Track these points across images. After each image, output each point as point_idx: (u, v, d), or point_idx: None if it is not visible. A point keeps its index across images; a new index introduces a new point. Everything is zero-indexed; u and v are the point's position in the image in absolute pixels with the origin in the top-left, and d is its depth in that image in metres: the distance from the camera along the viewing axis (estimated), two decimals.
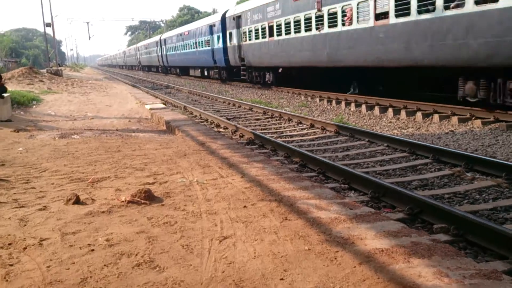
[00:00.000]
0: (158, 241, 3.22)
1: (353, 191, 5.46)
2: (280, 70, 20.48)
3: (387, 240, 2.78)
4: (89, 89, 23.84)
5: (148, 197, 4.13)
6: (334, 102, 14.88)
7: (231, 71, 27.75)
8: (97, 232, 3.45)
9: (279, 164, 5.73)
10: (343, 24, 14.41)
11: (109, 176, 5.19)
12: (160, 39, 47.66)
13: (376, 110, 12.35)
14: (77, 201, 4.12)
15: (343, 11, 14.40)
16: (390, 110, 11.85)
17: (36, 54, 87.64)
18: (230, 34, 25.33)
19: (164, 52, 45.55)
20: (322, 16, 15.43)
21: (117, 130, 9.73)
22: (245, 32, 22.94)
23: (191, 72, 37.56)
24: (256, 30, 21.57)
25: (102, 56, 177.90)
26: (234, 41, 24.69)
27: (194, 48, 33.77)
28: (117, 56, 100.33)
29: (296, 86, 19.58)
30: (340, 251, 2.75)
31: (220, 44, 27.12)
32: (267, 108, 13.70)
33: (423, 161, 6.68)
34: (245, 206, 3.91)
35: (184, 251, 3.02)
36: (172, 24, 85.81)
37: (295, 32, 17.68)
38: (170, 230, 3.43)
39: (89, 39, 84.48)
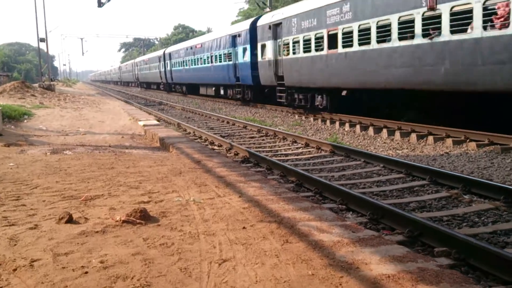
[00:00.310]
0: (154, 264, 3.10)
1: (351, 212, 5.39)
2: (344, 92, 15.29)
3: (392, 265, 2.70)
4: (81, 104, 23.70)
5: (143, 217, 4.01)
6: (328, 121, 14.90)
7: (261, 91, 22.47)
8: (90, 253, 3.33)
9: (276, 183, 5.66)
10: (487, 27, 9.39)
11: (102, 194, 5.07)
12: (164, 54, 42.92)
13: (371, 130, 12.37)
14: (70, 220, 3.99)
15: (487, 8, 9.42)
16: (385, 131, 11.87)
17: (28, 69, 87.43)
18: (263, 46, 20.52)
19: (168, 68, 41.15)
20: (437, 17, 10.52)
21: (110, 146, 9.61)
22: (287, 44, 18.00)
23: (202, 90, 32.26)
24: (307, 40, 16.44)
25: (95, 71, 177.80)
26: (269, 55, 19.84)
27: (208, 63, 28.98)
28: (112, 71, 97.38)
29: (369, 115, 14.05)
30: (345, 277, 2.66)
31: (247, 58, 22.38)
32: (261, 126, 13.67)
33: (420, 182, 6.65)
34: (244, 228, 3.81)
35: (182, 275, 2.91)
36: (166, 42, 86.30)
37: (379, 42, 12.61)
38: (167, 252, 3.31)
39: (83, 54, 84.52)
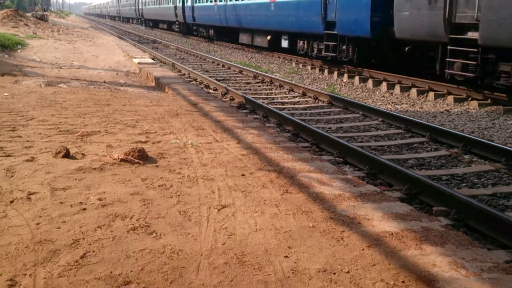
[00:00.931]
0: (153, 205, 3.06)
1: (348, 166, 5.36)
2: None
3: (395, 223, 2.69)
4: (75, 37, 22.99)
5: (141, 157, 3.94)
6: (326, 71, 14.64)
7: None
8: (88, 190, 3.28)
9: (275, 132, 5.59)
10: None
11: (99, 131, 4.97)
12: None
13: (370, 83, 12.19)
14: (67, 155, 3.91)
15: None
16: (384, 84, 11.69)
17: None
18: None
19: (189, 3, 29.55)
20: None
21: (104, 82, 9.39)
22: None
23: (245, 38, 21.98)
24: None
25: (88, 4, 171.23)
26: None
27: None
28: (109, 4, 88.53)
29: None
30: (346, 231, 2.64)
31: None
32: (257, 72, 13.42)
33: (419, 139, 6.60)
34: (243, 175, 3.77)
35: (181, 218, 2.88)
36: None
37: None
38: (166, 194, 3.27)
39: None
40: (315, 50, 15.16)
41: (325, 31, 13.92)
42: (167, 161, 4.06)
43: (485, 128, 7.55)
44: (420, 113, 8.85)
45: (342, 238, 2.57)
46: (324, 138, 6.09)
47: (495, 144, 5.91)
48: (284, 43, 17.94)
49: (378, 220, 2.75)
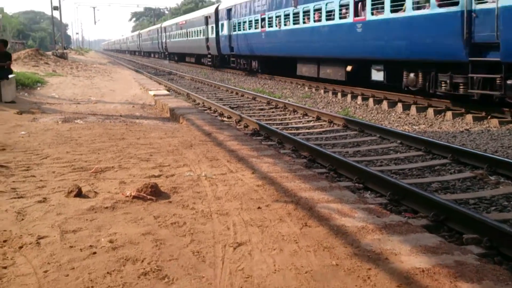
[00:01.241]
0: (166, 245, 2.92)
1: (369, 192, 5.15)
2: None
3: (425, 258, 2.49)
4: (93, 73, 23.49)
5: (154, 193, 3.83)
6: (339, 94, 14.51)
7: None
8: (99, 231, 3.16)
9: (290, 159, 5.44)
10: None
11: (113, 166, 4.89)
12: (217, 11, 27.83)
13: (384, 104, 12.01)
14: (79, 194, 3.83)
15: None
16: (400, 105, 11.50)
17: (42, 37, 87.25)
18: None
19: (225, 32, 26.02)
20: None
21: (121, 116, 9.43)
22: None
23: (302, 68, 18.14)
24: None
25: (107, 40, 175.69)
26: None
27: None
28: (129, 39, 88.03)
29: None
30: (373, 269, 2.45)
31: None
32: (270, 98, 13.37)
33: (441, 161, 6.35)
34: (259, 208, 3.61)
35: (195, 259, 2.73)
36: (176, 12, 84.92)
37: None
38: (179, 232, 3.13)
39: (95, 23, 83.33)
40: (444, 85, 10.50)
41: (470, 58, 9.41)
42: (181, 195, 3.93)
43: (509, 147, 7.26)
44: (439, 134, 8.60)
45: (369, 277, 2.37)
46: (342, 163, 5.90)
47: None
48: (377, 75, 13.12)
49: (407, 255, 2.55)
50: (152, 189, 3.82)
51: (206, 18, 30.37)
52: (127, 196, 3.79)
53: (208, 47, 30.28)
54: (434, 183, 5.42)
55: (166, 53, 47.27)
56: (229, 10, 25.79)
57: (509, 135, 8.00)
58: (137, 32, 76.12)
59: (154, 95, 12.87)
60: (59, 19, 42.97)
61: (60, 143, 6.13)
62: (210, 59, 31.24)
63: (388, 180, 5.00)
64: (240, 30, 24.01)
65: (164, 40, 45.81)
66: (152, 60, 51.56)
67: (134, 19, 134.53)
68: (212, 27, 28.91)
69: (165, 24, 47.20)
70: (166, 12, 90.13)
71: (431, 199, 4.28)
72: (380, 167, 6.21)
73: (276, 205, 3.68)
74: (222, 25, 27.08)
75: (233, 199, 3.87)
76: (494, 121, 8.94)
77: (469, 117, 9.51)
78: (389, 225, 3.05)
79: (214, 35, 28.55)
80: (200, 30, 31.70)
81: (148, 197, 3.76)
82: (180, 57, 42.47)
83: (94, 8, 72.75)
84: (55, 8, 36.03)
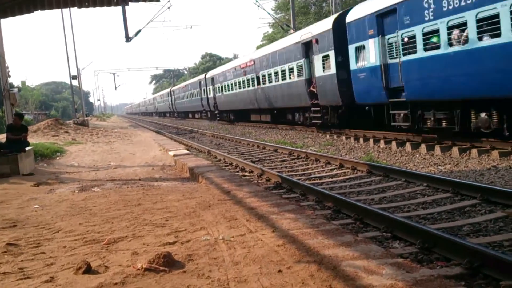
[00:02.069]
0: None
1: (398, 241, 4.84)
2: None
3: None
4: (113, 137, 23.95)
5: (167, 263, 3.63)
6: (361, 139, 14.30)
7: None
8: None
9: (312, 213, 5.19)
10: None
11: (126, 236, 4.74)
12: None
13: (408, 146, 11.72)
14: (88, 270, 3.65)
15: None
16: (423, 146, 11.21)
17: (65, 106, 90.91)
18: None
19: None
20: None
21: (139, 179, 9.40)
22: None
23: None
24: None
25: (129, 104, 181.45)
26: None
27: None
28: (147, 102, 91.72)
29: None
30: None
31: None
32: (292, 148, 13.25)
33: (471, 202, 6.03)
34: (279, 271, 3.36)
35: None
36: (194, 71, 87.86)
37: None
38: None
39: (115, 89, 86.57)
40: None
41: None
42: (196, 263, 3.72)
43: None
44: (466, 173, 8.25)
45: None
46: (367, 212, 5.65)
47: None
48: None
49: None
50: (164, 259, 3.62)
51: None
52: (138, 269, 3.60)
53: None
54: (465, 226, 5.11)
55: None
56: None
57: None
58: (152, 97, 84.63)
59: (174, 155, 12.90)
60: (78, 87, 44.78)
61: (73, 214, 6.04)
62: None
63: (417, 227, 4.73)
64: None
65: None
66: (168, 119, 55.13)
67: (154, 81, 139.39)
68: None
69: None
70: (185, 72, 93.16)
71: (463, 245, 4.00)
72: (407, 213, 5.92)
73: (298, 266, 3.42)
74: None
75: (252, 263, 3.63)
76: None
77: (495, 153, 9.14)
78: (420, 281, 2.77)
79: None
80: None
81: (161, 268, 3.56)
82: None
83: (114, 74, 75.80)
84: (73, 77, 37.54)
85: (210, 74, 36.77)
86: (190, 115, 50.18)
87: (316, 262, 3.43)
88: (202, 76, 39.89)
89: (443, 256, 4.20)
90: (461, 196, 6.36)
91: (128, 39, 25.59)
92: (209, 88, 36.11)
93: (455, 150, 10.10)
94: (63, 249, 4.39)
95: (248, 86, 26.13)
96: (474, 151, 9.61)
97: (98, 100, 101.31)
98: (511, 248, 4.30)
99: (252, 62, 24.99)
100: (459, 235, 4.80)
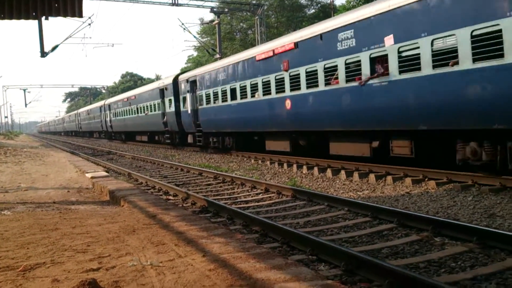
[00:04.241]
0: None
1: (323, 264, 5.01)
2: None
3: None
4: (23, 157, 22.27)
5: None
6: (285, 164, 14.68)
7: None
8: None
9: (242, 237, 5.20)
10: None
11: (44, 262, 4.40)
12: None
13: (329, 172, 12.24)
14: None
15: None
16: (343, 172, 11.77)
17: None
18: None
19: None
20: None
21: (54, 202, 8.80)
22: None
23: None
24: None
25: (40, 123, 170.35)
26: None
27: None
28: (65, 120, 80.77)
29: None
30: None
31: (172, 108, 26.89)
32: (217, 172, 13.24)
33: (388, 226, 6.43)
34: None
35: None
36: (113, 90, 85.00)
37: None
38: None
39: (26, 106, 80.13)
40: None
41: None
42: None
43: (448, 207, 7.51)
44: (382, 198, 8.78)
45: None
46: (293, 236, 5.79)
47: (463, 224, 5.85)
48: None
49: None
50: (90, 286, 3.42)
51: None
52: None
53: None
54: (384, 249, 5.44)
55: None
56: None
57: (447, 196, 8.30)
58: (61, 117, 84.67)
59: (92, 177, 12.28)
60: None
61: None
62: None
63: (340, 250, 4.93)
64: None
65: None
66: (86, 140, 54.46)
67: (69, 99, 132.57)
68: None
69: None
70: (103, 91, 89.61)
71: (383, 266, 4.25)
72: (331, 236, 6.17)
73: None
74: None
75: None
76: (432, 183, 9.28)
77: (408, 180, 9.84)
78: None
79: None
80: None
81: None
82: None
83: (24, 90, 70.83)
84: None
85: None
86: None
87: (249, 286, 3.44)
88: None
89: (366, 278, 4.41)
90: (379, 220, 6.74)
91: (43, 54, 24.21)
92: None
93: (372, 176, 10.72)
94: None
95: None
96: (389, 178, 10.27)
97: (6, 117, 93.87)
98: (426, 270, 4.63)
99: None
100: (379, 258, 5.07)
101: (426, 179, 9.67)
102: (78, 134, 67.61)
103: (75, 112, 67.93)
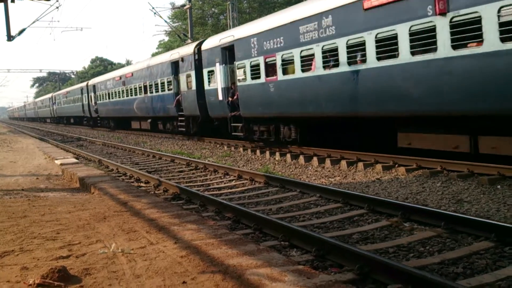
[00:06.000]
0: None
1: (295, 249, 5.08)
2: None
3: None
4: None
5: (62, 278, 3.38)
6: (258, 151, 14.71)
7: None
8: None
9: (215, 224, 5.23)
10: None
11: (13, 250, 4.31)
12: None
13: (301, 159, 12.33)
14: None
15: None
16: (315, 159, 11.88)
17: None
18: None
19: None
20: None
21: (23, 190, 8.60)
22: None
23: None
24: None
25: (7, 108, 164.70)
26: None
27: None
28: (26, 107, 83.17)
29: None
30: None
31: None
32: (190, 159, 13.17)
33: (359, 211, 6.55)
34: (184, 282, 3.33)
35: None
36: (83, 76, 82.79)
37: None
38: None
39: None
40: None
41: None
42: (94, 278, 3.52)
43: (417, 193, 7.70)
44: (354, 184, 8.93)
45: None
46: (266, 222, 5.85)
47: (432, 209, 6.01)
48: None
49: None
50: (60, 274, 3.38)
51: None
52: (30, 285, 3.30)
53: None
54: (354, 234, 5.54)
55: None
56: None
57: (416, 182, 8.51)
58: (33, 101, 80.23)
59: (61, 164, 12.02)
60: None
61: None
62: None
63: (311, 235, 5.01)
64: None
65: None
66: (51, 125, 53.56)
67: (37, 84, 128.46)
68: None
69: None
70: (73, 76, 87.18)
71: (354, 251, 4.34)
72: (303, 222, 6.24)
73: (203, 277, 3.42)
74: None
75: (155, 275, 3.54)
76: (402, 169, 9.48)
77: (378, 166, 10.02)
78: (320, 286, 2.95)
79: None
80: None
81: (56, 283, 3.31)
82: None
83: None
84: None
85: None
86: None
87: (221, 272, 3.46)
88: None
89: (336, 263, 4.50)
90: (350, 206, 6.86)
91: (10, 38, 23.42)
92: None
93: (343, 163, 10.87)
94: None
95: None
96: (360, 165, 10.43)
97: None
98: (396, 254, 4.75)
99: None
100: (350, 243, 5.18)
101: (396, 166, 9.87)
102: (54, 121, 60.30)
103: (50, 95, 60.11)
